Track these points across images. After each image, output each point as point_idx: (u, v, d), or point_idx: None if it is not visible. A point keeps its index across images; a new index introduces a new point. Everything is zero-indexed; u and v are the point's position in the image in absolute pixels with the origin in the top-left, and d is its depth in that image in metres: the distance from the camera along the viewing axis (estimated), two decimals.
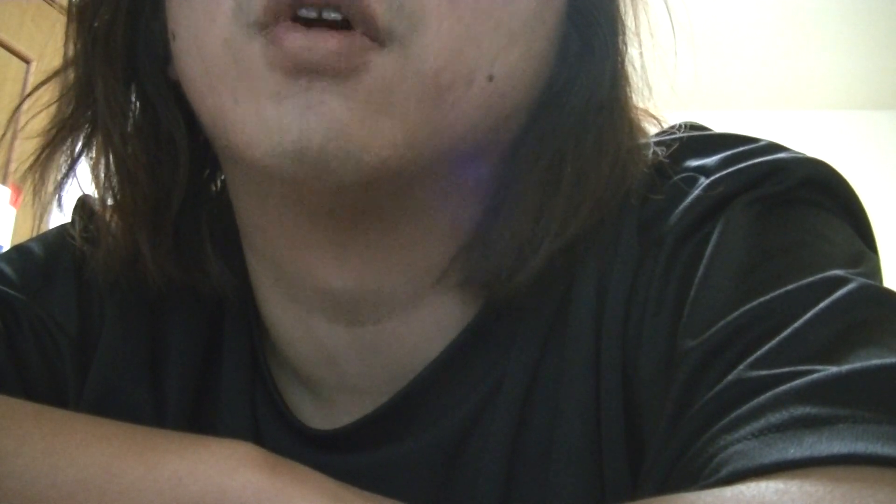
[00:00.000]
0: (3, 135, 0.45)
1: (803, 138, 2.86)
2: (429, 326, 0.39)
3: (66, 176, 0.42)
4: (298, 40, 0.30)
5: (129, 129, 0.39)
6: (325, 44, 0.30)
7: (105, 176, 0.40)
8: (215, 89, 0.33)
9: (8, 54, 2.11)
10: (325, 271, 0.37)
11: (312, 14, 0.31)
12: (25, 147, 0.41)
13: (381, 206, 0.34)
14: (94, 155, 0.41)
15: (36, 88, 0.43)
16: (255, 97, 0.32)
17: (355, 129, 0.31)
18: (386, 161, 0.31)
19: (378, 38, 0.31)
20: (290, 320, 0.40)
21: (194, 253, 0.41)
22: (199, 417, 0.43)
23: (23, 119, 0.44)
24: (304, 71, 0.31)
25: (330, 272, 0.37)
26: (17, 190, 1.99)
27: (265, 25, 0.31)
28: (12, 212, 2.07)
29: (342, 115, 0.31)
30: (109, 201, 0.41)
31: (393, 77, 0.31)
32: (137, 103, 0.40)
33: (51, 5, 2.09)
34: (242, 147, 0.32)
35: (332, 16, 0.31)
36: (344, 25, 0.31)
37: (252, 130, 0.32)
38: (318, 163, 0.31)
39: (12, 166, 1.86)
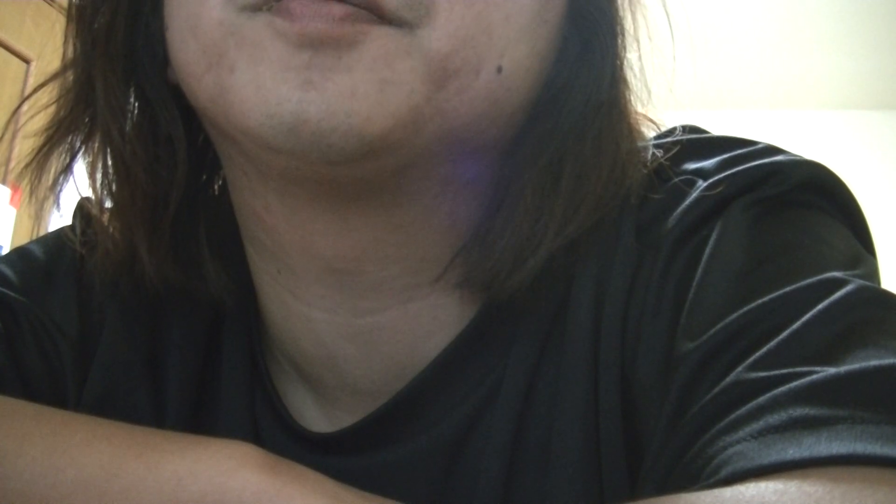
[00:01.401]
0: (3, 135, 0.45)
1: (803, 138, 2.87)
2: (427, 323, 0.39)
3: (63, 174, 0.42)
4: (305, 6, 0.31)
5: (127, 129, 0.39)
6: (331, 10, 0.30)
7: (103, 175, 0.40)
8: (212, 66, 0.33)
9: (8, 54, 2.11)
10: (327, 250, 0.37)
11: None
12: (25, 147, 0.42)
13: (379, 181, 0.34)
14: (91, 156, 0.41)
15: (36, 90, 0.43)
16: (253, 65, 0.32)
17: (359, 102, 0.31)
18: (388, 132, 0.31)
19: (384, 18, 0.31)
20: (290, 317, 0.40)
21: (192, 256, 0.41)
22: (199, 420, 0.43)
23: (23, 119, 0.44)
24: (308, 43, 0.31)
25: (331, 250, 0.37)
26: (17, 190, 1.99)
27: (262, 5, 0.31)
28: (12, 212, 2.07)
29: (345, 89, 0.31)
30: (108, 203, 0.41)
31: (397, 49, 0.31)
32: (136, 104, 0.40)
33: (50, 5, 2.09)
34: (238, 117, 0.32)
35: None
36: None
37: (249, 99, 0.31)
38: (315, 136, 0.31)
39: (12, 166, 1.86)
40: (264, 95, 0.31)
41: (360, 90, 0.31)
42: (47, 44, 0.43)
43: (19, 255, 0.45)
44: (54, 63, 0.42)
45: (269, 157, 0.34)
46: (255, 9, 0.32)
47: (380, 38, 0.31)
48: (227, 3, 0.32)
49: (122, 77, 0.39)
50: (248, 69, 0.32)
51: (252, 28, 0.32)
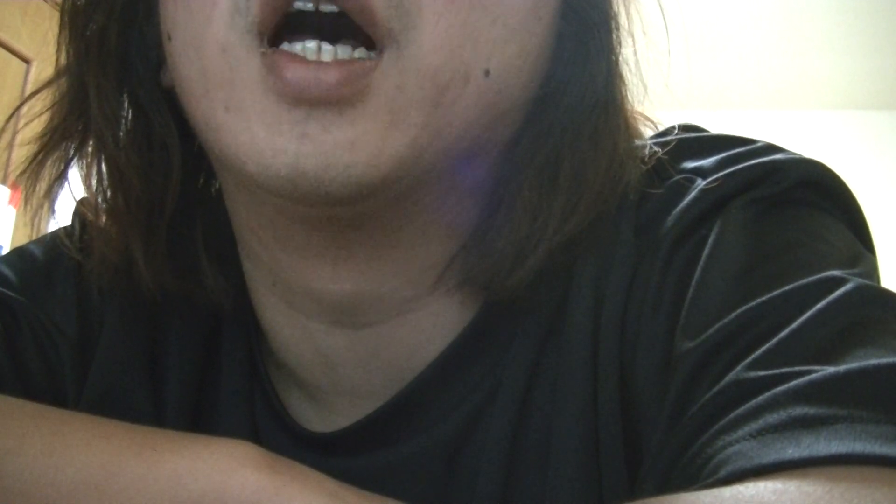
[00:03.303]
0: (2, 134, 0.45)
1: (803, 138, 2.87)
2: (427, 328, 0.39)
3: (57, 181, 0.42)
4: (300, 72, 0.30)
5: (121, 135, 0.39)
6: (327, 76, 0.30)
7: (97, 182, 0.40)
8: (209, 94, 0.33)
9: (8, 54, 2.11)
10: (323, 276, 0.37)
11: (309, 6, 0.31)
12: (25, 148, 0.41)
13: (379, 212, 0.34)
14: (85, 163, 0.41)
15: (32, 95, 0.43)
16: (246, 114, 0.31)
17: (358, 153, 0.31)
18: (388, 174, 0.32)
19: (376, 35, 0.31)
20: (287, 325, 0.40)
21: (189, 262, 0.41)
22: (198, 420, 0.43)
23: (22, 121, 0.44)
24: (304, 103, 0.31)
25: (327, 277, 0.37)
26: (17, 190, 1.99)
27: (263, 32, 0.31)
28: (12, 212, 2.07)
29: (346, 141, 0.30)
30: (103, 207, 0.41)
31: (395, 90, 0.31)
32: (130, 110, 0.40)
33: (46, 2, 2.09)
34: (233, 159, 0.32)
35: (329, 8, 0.31)
36: (340, 21, 0.31)
37: (244, 147, 0.32)
38: (312, 186, 0.31)
39: (12, 167, 1.86)
40: (259, 146, 0.31)
41: (362, 140, 0.31)
42: (47, 45, 0.43)
43: (19, 255, 0.45)
44: (54, 64, 0.42)
45: (263, 194, 0.34)
46: (257, 34, 0.31)
47: (379, 86, 0.31)
48: (231, 27, 0.32)
49: (115, 83, 0.39)
50: (242, 115, 0.32)
51: (248, 70, 0.31)
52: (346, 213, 0.34)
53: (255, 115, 0.31)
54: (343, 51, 0.31)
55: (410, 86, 0.31)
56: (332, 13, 0.31)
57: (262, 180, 0.31)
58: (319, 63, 0.31)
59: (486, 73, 0.33)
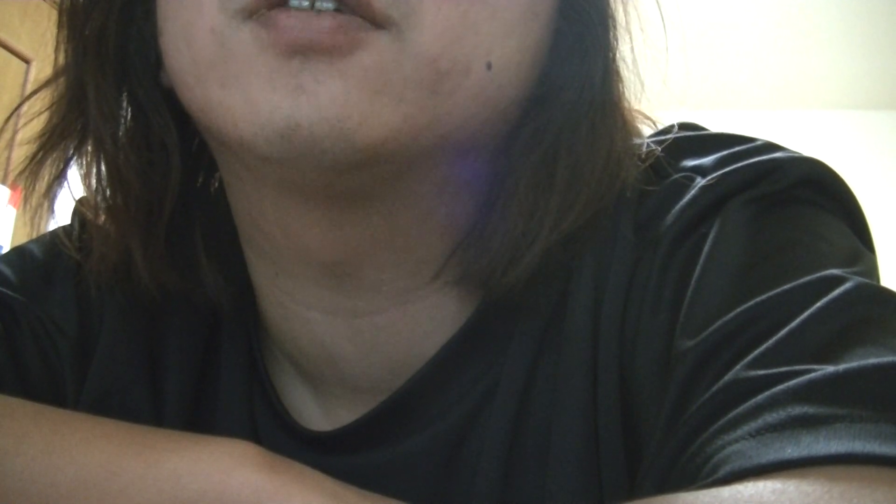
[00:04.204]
0: (2, 134, 0.45)
1: (803, 138, 2.87)
2: (425, 322, 0.39)
3: (56, 181, 0.42)
4: (292, 19, 0.31)
5: (120, 135, 0.39)
6: (320, 22, 0.30)
7: (97, 182, 0.40)
8: (202, 77, 0.33)
9: (8, 54, 2.11)
10: (324, 256, 0.37)
11: (305, 3, 0.31)
12: (25, 148, 0.42)
13: (375, 189, 0.34)
14: (85, 162, 0.41)
15: (31, 94, 0.43)
16: (242, 80, 0.32)
17: (351, 109, 0.31)
18: (381, 143, 0.31)
19: (374, 21, 0.31)
20: (289, 317, 0.40)
21: (188, 260, 0.41)
22: (198, 420, 0.43)
23: (22, 121, 0.44)
24: (297, 51, 0.31)
25: (328, 257, 0.37)
26: (17, 189, 1.99)
27: (253, 13, 0.31)
28: (12, 212, 2.07)
29: (338, 94, 0.31)
30: (102, 207, 0.41)
31: (390, 58, 0.31)
32: (129, 109, 0.40)
33: (47, 2, 2.09)
34: (230, 129, 0.32)
35: (326, 6, 0.31)
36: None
37: (240, 112, 0.31)
38: (308, 143, 0.31)
39: (12, 166, 1.86)
40: (255, 107, 0.31)
41: (353, 97, 0.31)
42: (47, 45, 0.43)
43: (18, 254, 0.45)
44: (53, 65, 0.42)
45: (262, 166, 0.34)
46: (247, 16, 0.32)
47: (373, 46, 0.31)
48: (221, 11, 0.32)
49: (114, 83, 0.39)
50: (237, 84, 0.32)
51: (240, 41, 0.32)
52: (343, 185, 0.34)
53: (252, 76, 0.31)
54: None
55: (408, 66, 0.31)
56: (328, 10, 0.31)
57: (260, 143, 0.31)
58: (317, 12, 0.31)
59: (489, 66, 0.33)
